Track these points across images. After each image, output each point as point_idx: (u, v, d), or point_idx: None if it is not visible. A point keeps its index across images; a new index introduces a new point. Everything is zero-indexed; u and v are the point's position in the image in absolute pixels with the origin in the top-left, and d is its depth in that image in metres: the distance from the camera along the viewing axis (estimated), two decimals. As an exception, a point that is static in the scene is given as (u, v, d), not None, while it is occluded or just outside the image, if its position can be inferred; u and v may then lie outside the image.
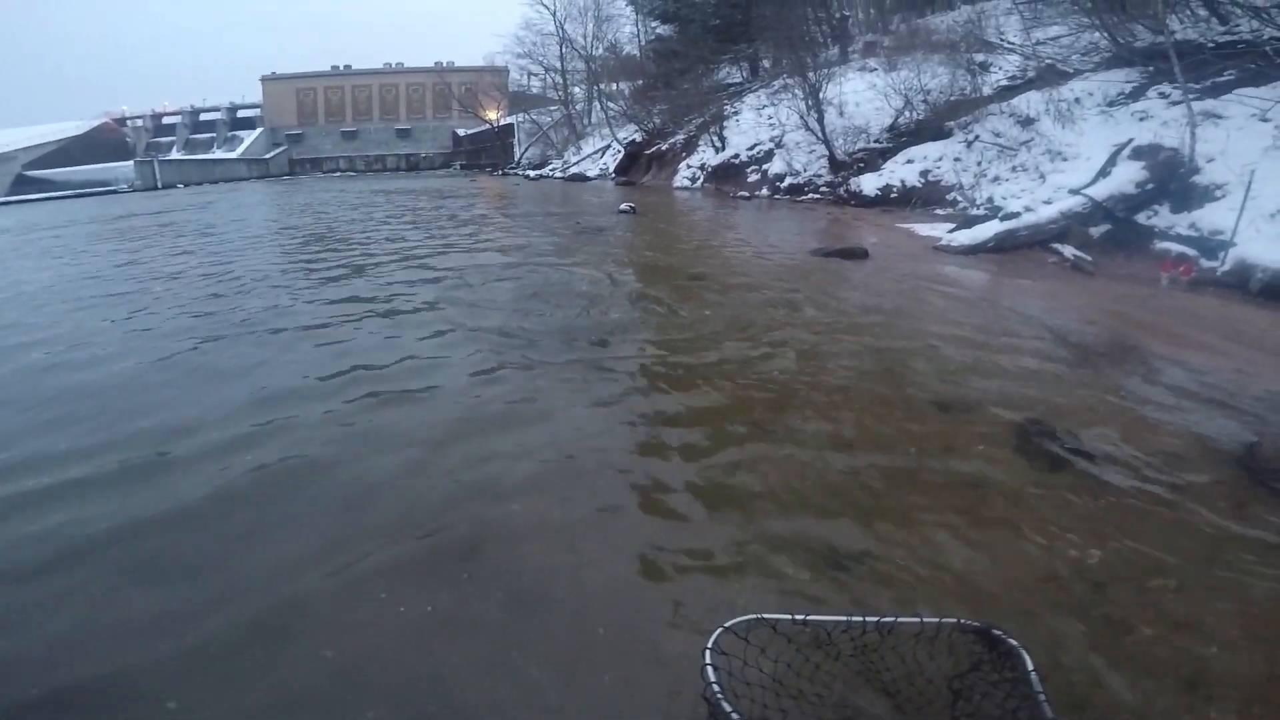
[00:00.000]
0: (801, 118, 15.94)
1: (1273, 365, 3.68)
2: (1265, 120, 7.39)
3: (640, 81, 26.04)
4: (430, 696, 1.63)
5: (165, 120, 48.17)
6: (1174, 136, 8.26)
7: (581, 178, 27.00)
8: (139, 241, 12.57)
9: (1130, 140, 8.76)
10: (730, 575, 2.06)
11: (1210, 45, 9.15)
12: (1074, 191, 8.74)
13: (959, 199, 11.80)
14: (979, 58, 14.34)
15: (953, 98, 13.97)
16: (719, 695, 1.44)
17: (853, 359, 4.02)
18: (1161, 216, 7.81)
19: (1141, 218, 7.99)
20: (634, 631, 1.87)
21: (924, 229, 10.32)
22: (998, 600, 1.92)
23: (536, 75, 36.52)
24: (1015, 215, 8.94)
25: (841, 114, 15.79)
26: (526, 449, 2.84)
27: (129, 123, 47.28)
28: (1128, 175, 8.35)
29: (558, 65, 33.98)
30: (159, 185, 34.60)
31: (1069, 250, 7.90)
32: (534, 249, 9.46)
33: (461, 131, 42.90)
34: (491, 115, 39.98)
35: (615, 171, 25.55)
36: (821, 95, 15.40)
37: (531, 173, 32.20)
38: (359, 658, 1.72)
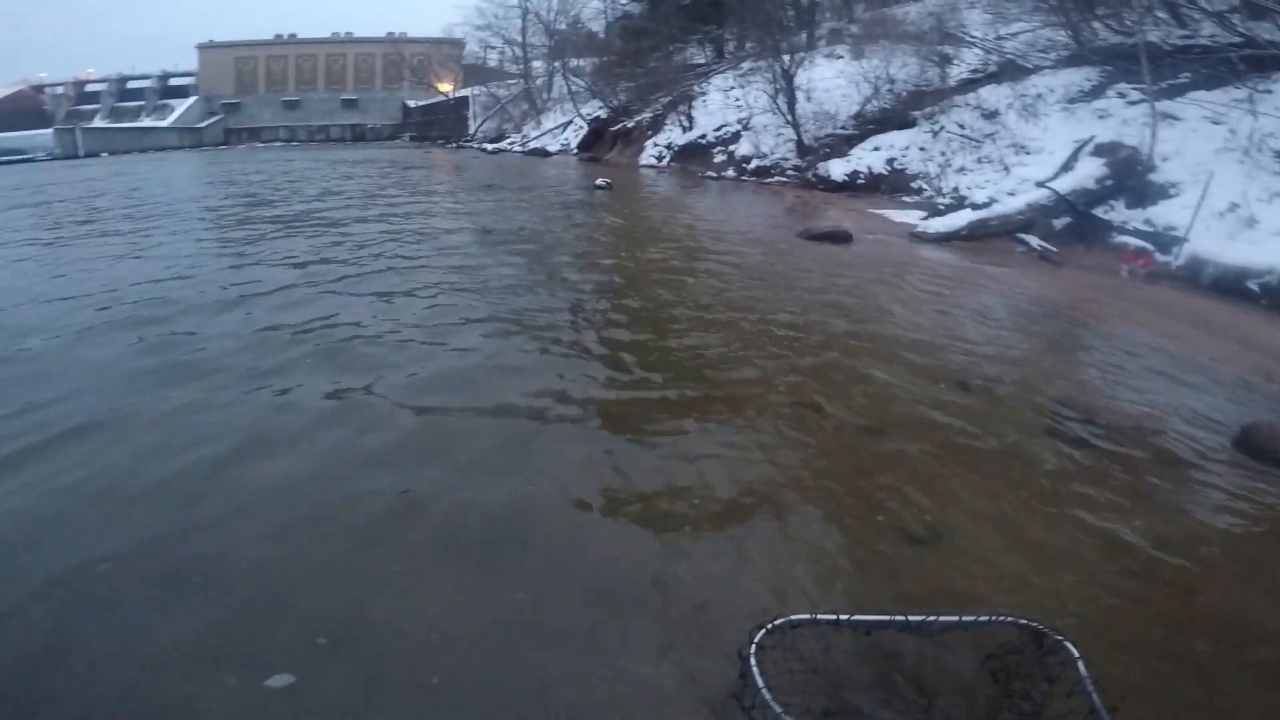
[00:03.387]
0: (772, 99, 16.14)
1: (1240, 353, 4.12)
2: (1217, 123, 7.99)
3: (607, 58, 25.72)
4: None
5: (90, 88, 45.29)
6: (1133, 135, 8.83)
7: (543, 152, 26.61)
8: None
9: (1093, 137, 9.32)
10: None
11: (1168, 48, 9.72)
12: (1039, 184, 9.25)
13: (925, 187, 12.25)
14: (941, 49, 14.78)
15: (918, 88, 14.40)
16: (763, 692, 1.45)
17: (875, 338, 4.27)
18: (1118, 211, 8.39)
19: (1100, 211, 8.55)
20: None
21: (897, 215, 10.72)
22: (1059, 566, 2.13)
23: (495, 48, 35.71)
24: (986, 205, 9.44)
25: (809, 99, 16.03)
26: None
27: (48, 90, 44.14)
28: (1089, 171, 8.91)
29: (519, 39, 33.23)
30: (80, 154, 32.54)
31: (1035, 241, 8.40)
32: (527, 228, 9.28)
33: (412, 103, 41.49)
34: (445, 87, 38.80)
35: (578, 147, 25.29)
36: (794, 79, 15.60)
37: (489, 146, 31.46)
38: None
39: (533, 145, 28.36)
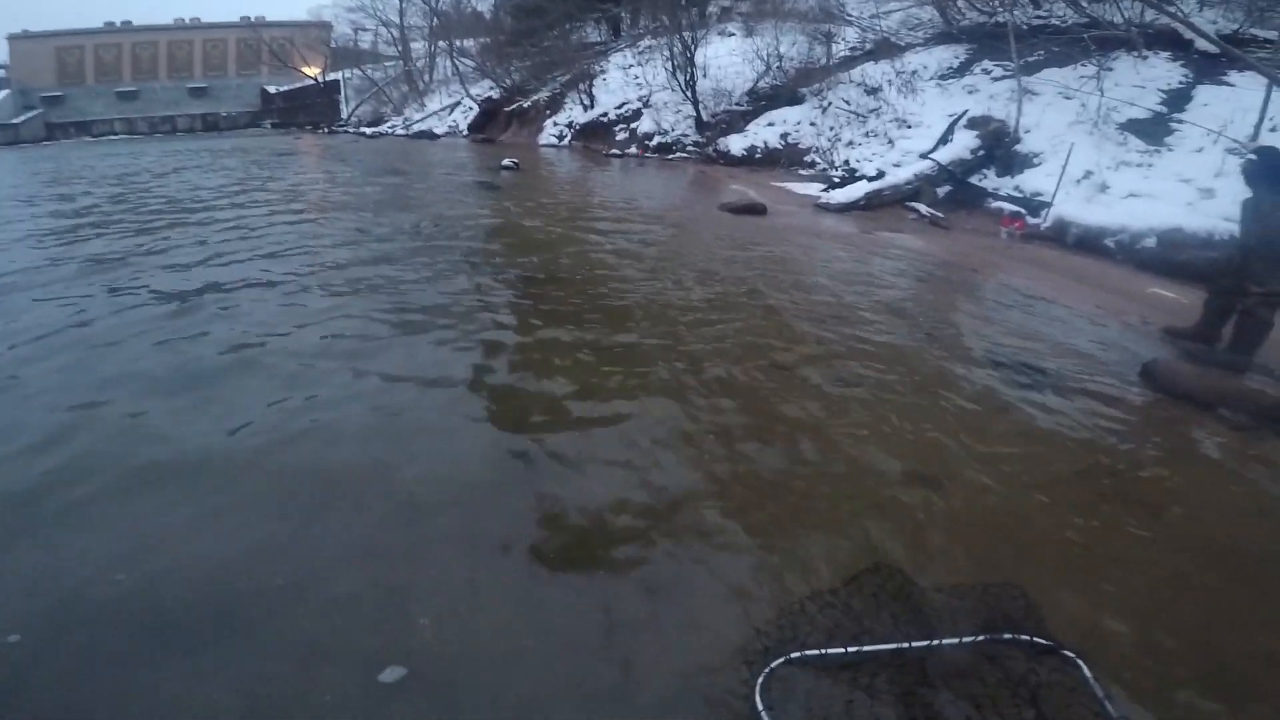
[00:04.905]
0: (671, 75, 16.48)
1: (1116, 300, 4.96)
2: (1069, 98, 9.20)
3: (498, 37, 24.99)
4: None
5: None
6: (999, 109, 9.97)
7: (429, 135, 25.55)
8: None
9: (965, 111, 10.41)
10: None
11: (1024, 28, 10.94)
12: (922, 155, 10.24)
13: (818, 161, 13.09)
14: (824, 28, 15.69)
15: (806, 65, 15.24)
16: None
17: (810, 294, 4.76)
18: (990, 179, 9.48)
19: (975, 179, 9.62)
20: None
21: (798, 188, 11.45)
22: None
23: (368, 30, 33.66)
24: (879, 177, 10.31)
25: (705, 76, 16.50)
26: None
27: None
28: (964, 142, 9.97)
29: (396, 20, 31.50)
30: None
31: (924, 208, 9.34)
32: (432, 209, 8.93)
33: (273, 88, 38.27)
34: (311, 71, 36.16)
35: (469, 129, 24.55)
36: (694, 56, 15.98)
37: (367, 130, 29.73)
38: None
39: (418, 128, 27.14)
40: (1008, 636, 1.72)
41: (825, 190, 10.59)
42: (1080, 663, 1.65)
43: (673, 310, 4.37)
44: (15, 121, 36.84)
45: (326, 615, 1.84)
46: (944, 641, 1.70)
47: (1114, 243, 6.60)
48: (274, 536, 2.13)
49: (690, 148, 16.17)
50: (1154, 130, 8.10)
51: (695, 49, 16.17)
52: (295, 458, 2.57)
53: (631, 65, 19.72)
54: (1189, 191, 6.66)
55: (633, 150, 17.18)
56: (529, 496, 2.36)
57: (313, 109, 35.99)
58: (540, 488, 2.41)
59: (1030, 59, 10.39)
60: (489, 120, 23.73)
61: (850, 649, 1.70)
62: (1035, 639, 1.72)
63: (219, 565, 2.02)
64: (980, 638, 1.72)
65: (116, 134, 38.19)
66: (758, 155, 14.38)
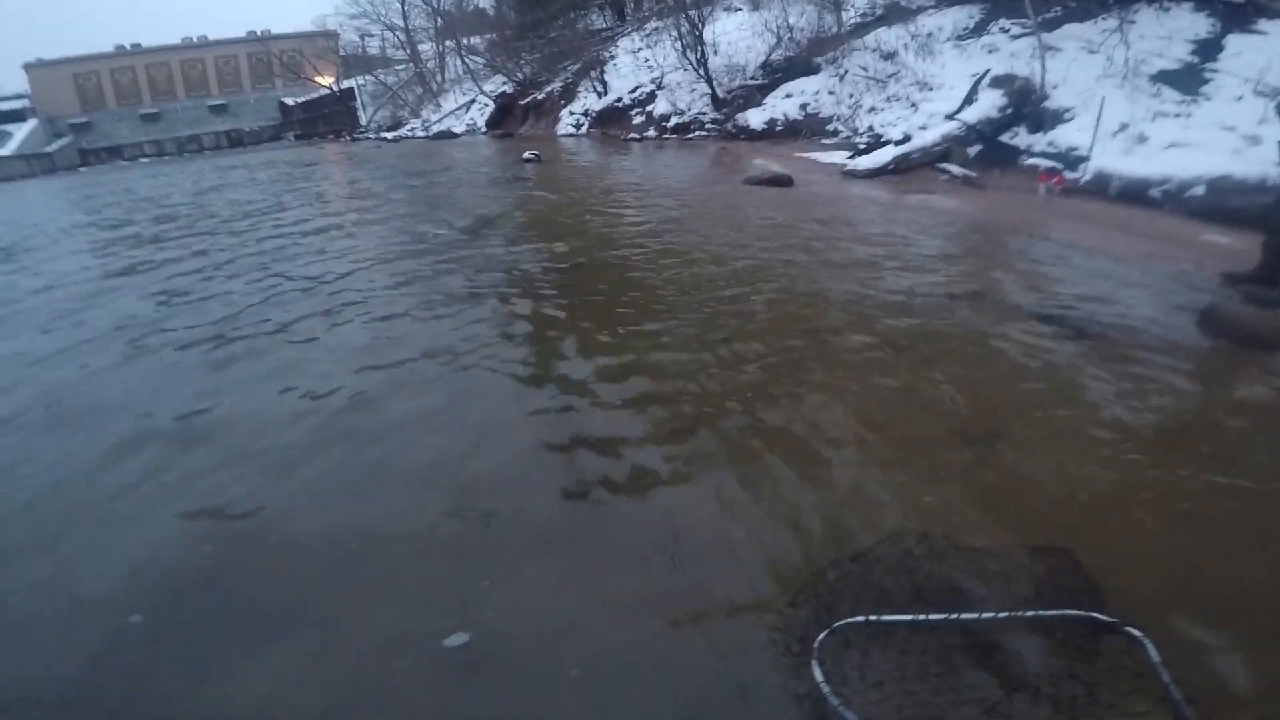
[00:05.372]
0: (681, 55, 16.41)
1: (1166, 249, 4.92)
2: (1093, 53, 8.98)
3: (505, 32, 25.07)
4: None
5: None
6: (1022, 66, 9.76)
7: (449, 134, 25.81)
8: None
9: (988, 70, 10.21)
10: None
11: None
12: (949, 117, 10.10)
13: (840, 129, 12.98)
14: (832, -6, 15.43)
15: (818, 35, 15.05)
16: (828, 695, 1.49)
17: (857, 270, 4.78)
18: (1021, 137, 9.31)
19: (1006, 138, 9.49)
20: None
21: (823, 157, 11.40)
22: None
23: (374, 36, 33.98)
24: (905, 140, 10.20)
25: (716, 53, 16.39)
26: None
27: None
28: (991, 101, 9.80)
29: (401, 22, 31.75)
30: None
31: (956, 169, 9.24)
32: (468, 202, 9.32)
33: (290, 100, 38.84)
34: (325, 81, 36.62)
35: (487, 125, 24.75)
36: (704, 34, 15.89)
37: (388, 135, 30.16)
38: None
39: (437, 129, 27.41)
40: (1070, 613, 1.67)
41: (851, 157, 10.52)
42: (1147, 643, 1.58)
43: (714, 284, 4.51)
44: (49, 150, 37.91)
45: (397, 586, 1.99)
46: (1001, 614, 1.67)
47: (1160, 193, 6.49)
48: (346, 514, 2.33)
49: (709, 126, 16.13)
50: (1188, 80, 7.90)
51: (703, 26, 16.04)
52: (359, 440, 2.78)
53: (640, 49, 19.65)
54: (1234, 139, 6.50)
55: (651, 133, 17.19)
56: (574, 475, 2.48)
57: (331, 118, 36.46)
58: (585, 466, 2.54)
59: (1047, 16, 10.15)
60: (506, 115, 23.88)
61: (906, 617, 1.69)
62: (1097, 616, 1.66)
63: (300, 538, 2.22)
64: (1040, 613, 1.67)
65: (147, 156, 39.14)
66: (778, 128, 14.31)
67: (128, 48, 40.67)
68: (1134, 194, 6.81)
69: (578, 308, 4.25)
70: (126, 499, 2.49)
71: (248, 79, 40.78)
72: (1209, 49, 8.27)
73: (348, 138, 32.86)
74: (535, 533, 2.18)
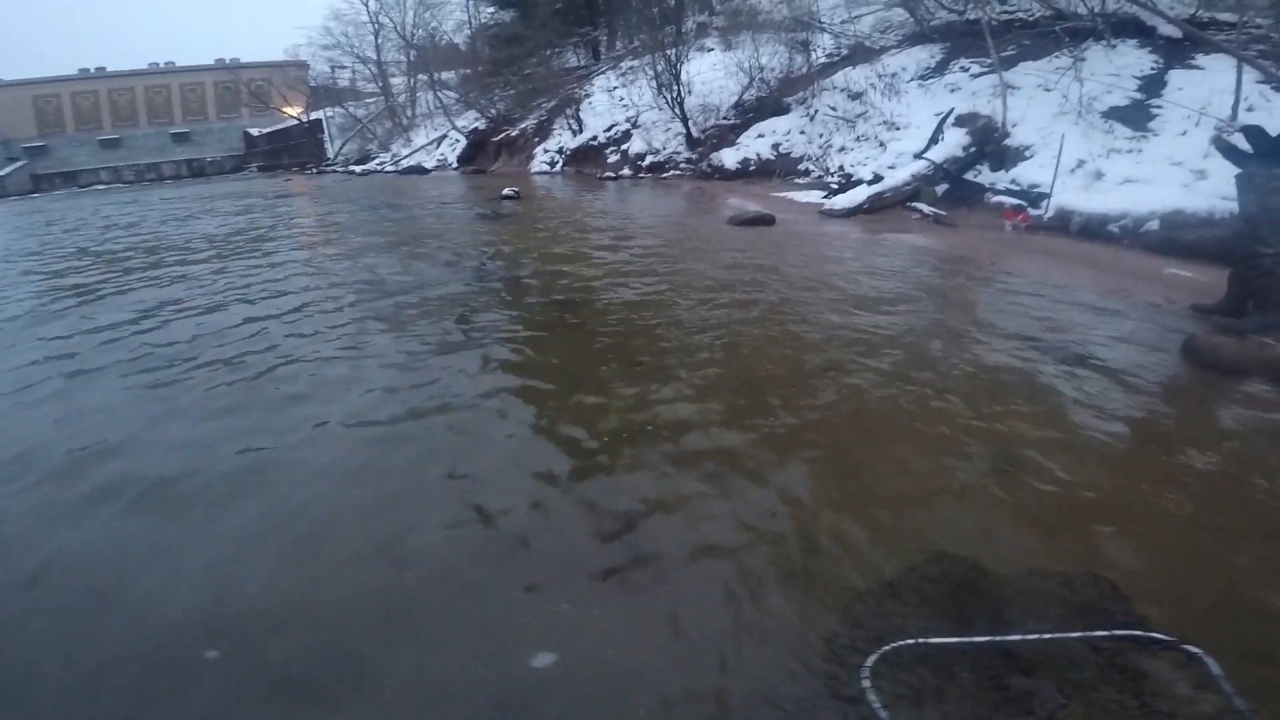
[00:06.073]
0: (660, 94, 16.86)
1: (1135, 283, 5.24)
2: (1049, 90, 9.59)
3: (479, 68, 25.44)
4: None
5: None
6: (984, 105, 10.34)
7: (420, 170, 25.89)
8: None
9: (952, 109, 10.79)
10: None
11: (994, 23, 11.38)
12: (917, 156, 10.59)
13: (811, 168, 13.44)
14: (800, 36, 16.14)
15: (788, 75, 15.65)
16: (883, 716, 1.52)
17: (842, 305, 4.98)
18: (984, 175, 9.82)
19: (970, 176, 9.99)
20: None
21: (799, 196, 11.77)
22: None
23: (345, 68, 34.18)
24: (878, 180, 10.64)
25: (690, 92, 16.92)
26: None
27: None
28: (956, 140, 10.32)
29: (374, 55, 32.04)
30: None
31: (926, 208, 9.66)
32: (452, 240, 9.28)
33: (255, 131, 38.58)
34: (293, 111, 36.52)
35: (459, 161, 24.90)
36: (681, 74, 16.36)
37: (357, 168, 30.08)
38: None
39: (406, 163, 27.47)
40: (1128, 634, 1.70)
41: (827, 196, 10.91)
42: (1207, 659, 1.61)
43: (711, 323, 4.61)
44: (0, 174, 36.80)
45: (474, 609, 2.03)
46: (1054, 635, 1.70)
47: (1118, 228, 6.91)
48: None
49: (683, 165, 16.53)
50: (1136, 116, 8.47)
51: (680, 66, 16.54)
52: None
53: (616, 87, 20.14)
54: (1182, 174, 6.99)
55: (626, 172, 17.51)
56: (605, 509, 2.52)
57: (297, 149, 36.29)
58: (611, 500, 2.57)
59: (1004, 54, 10.79)
60: (478, 151, 24.08)
61: (957, 639, 1.71)
62: (1155, 635, 1.70)
63: (376, 565, 2.21)
64: (1096, 634, 1.70)
65: (103, 183, 38.29)
66: (751, 167, 14.73)
67: (92, 71, 40.00)
68: (1094, 229, 7.23)
69: (587, 346, 4.31)
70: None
71: (213, 107, 40.40)
72: (1154, 85, 8.90)
73: (314, 170, 32.69)
74: (574, 567, 2.22)
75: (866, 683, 1.61)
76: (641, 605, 2.02)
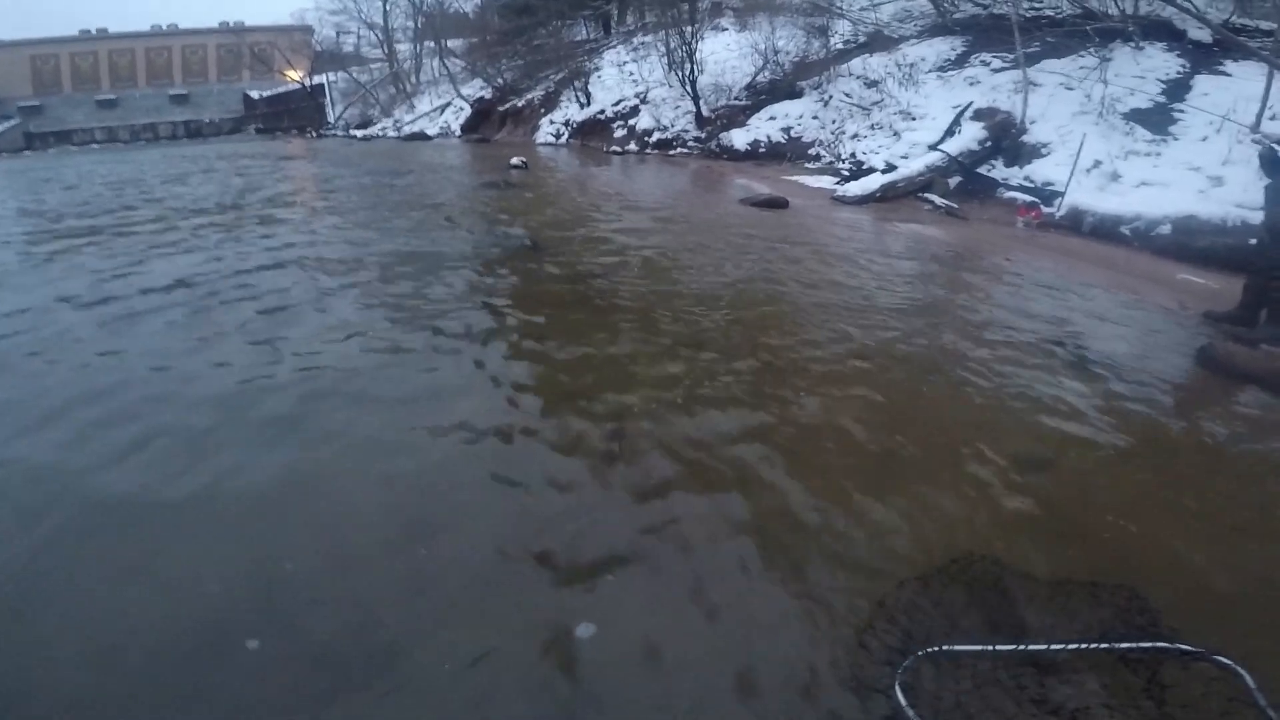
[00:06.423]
0: (671, 70, 16.65)
1: (1149, 287, 5.31)
2: (1071, 89, 9.56)
3: (488, 37, 25.02)
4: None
5: None
6: (1003, 100, 10.32)
7: (422, 136, 25.56)
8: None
9: (970, 103, 10.76)
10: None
11: (1020, 20, 11.29)
12: (932, 147, 10.57)
13: (822, 154, 13.37)
14: (818, 21, 15.95)
15: (803, 59, 15.49)
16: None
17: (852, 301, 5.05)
18: (998, 170, 9.84)
19: (984, 170, 9.99)
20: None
21: (811, 181, 11.70)
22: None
23: (351, 33, 33.57)
24: (892, 169, 10.63)
25: (703, 71, 16.73)
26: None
27: None
28: (972, 134, 10.31)
29: (380, 21, 31.45)
30: None
31: (939, 199, 9.67)
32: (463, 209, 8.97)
33: (255, 94, 37.89)
34: (295, 75, 35.91)
35: (462, 129, 24.62)
36: (695, 52, 16.15)
37: (358, 133, 29.73)
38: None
39: (409, 130, 27.14)
40: (1160, 645, 1.71)
41: (839, 183, 10.89)
42: (1241, 670, 1.61)
43: (738, 306, 4.60)
44: (-6, 132, 36.19)
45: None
46: (1081, 645, 1.71)
47: (1130, 230, 6.96)
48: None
49: (691, 143, 16.39)
50: (1158, 120, 8.47)
51: (696, 44, 16.32)
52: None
53: (626, 62, 19.90)
54: (1199, 179, 7.03)
55: (632, 147, 17.37)
56: (644, 502, 2.50)
57: (298, 113, 35.72)
58: (649, 493, 2.56)
59: (1028, 50, 10.71)
60: (483, 120, 23.81)
61: (985, 647, 1.72)
62: (1184, 647, 1.70)
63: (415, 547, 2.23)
64: (1128, 645, 1.70)
65: (98, 142, 37.69)
66: (761, 150, 14.63)
67: (93, 32, 39.17)
68: (1106, 230, 7.28)
69: (619, 326, 4.28)
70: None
71: (214, 70, 39.62)
72: (1179, 89, 8.89)
73: (314, 134, 32.24)
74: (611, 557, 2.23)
75: (898, 690, 1.62)
76: (671, 585, 2.06)
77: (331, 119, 33.93)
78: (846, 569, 2.12)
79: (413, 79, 31.40)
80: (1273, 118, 7.31)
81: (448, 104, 26.99)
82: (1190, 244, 6.35)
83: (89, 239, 6.96)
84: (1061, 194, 8.24)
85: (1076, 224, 7.73)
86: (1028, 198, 8.61)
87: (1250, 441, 3.01)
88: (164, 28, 39.49)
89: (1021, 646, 1.72)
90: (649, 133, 17.34)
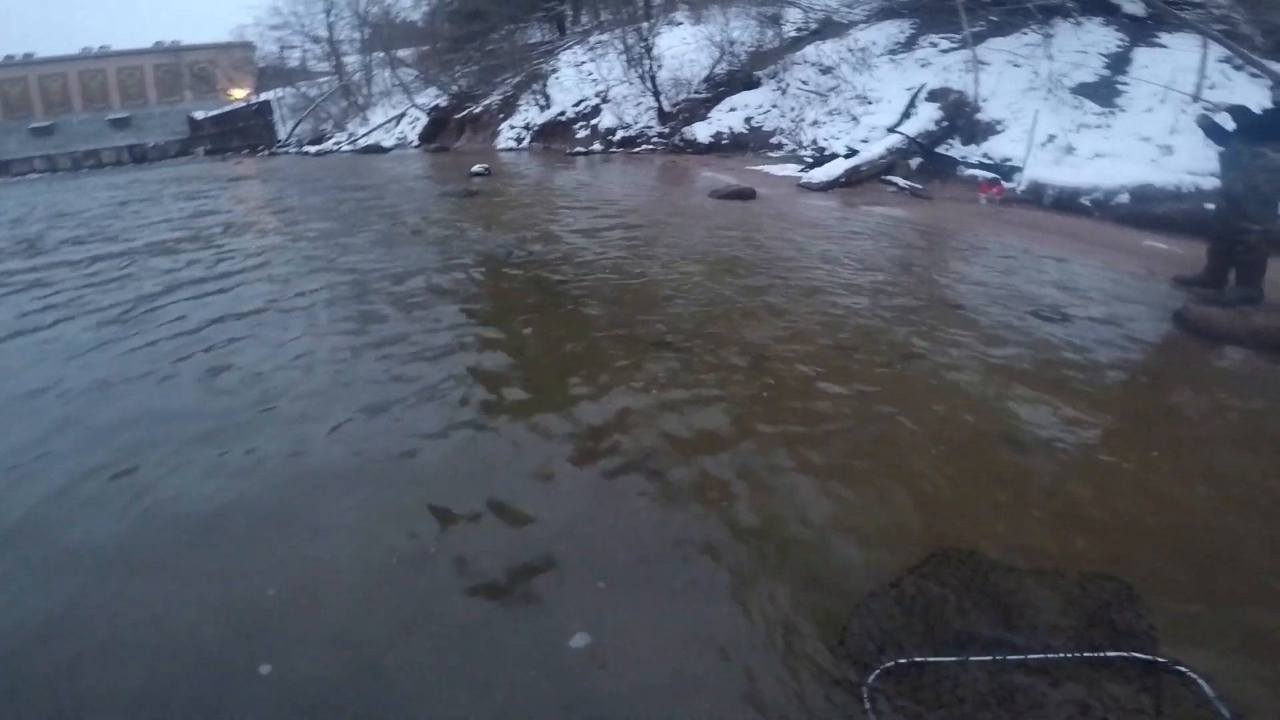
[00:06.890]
0: (630, 68, 16.60)
1: (1117, 255, 5.48)
2: (1018, 66, 9.80)
3: (439, 45, 24.62)
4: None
5: None
6: (955, 80, 10.53)
7: (378, 148, 25.09)
8: None
9: (924, 85, 10.95)
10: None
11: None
12: (890, 130, 10.75)
13: (784, 142, 13.50)
14: (769, 10, 16.05)
15: (757, 48, 15.60)
16: None
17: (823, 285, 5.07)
18: (956, 148, 10.06)
19: (943, 149, 10.20)
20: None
21: (776, 170, 11.80)
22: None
23: (295, 48, 32.79)
24: (853, 154, 10.79)
25: (661, 66, 16.73)
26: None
27: None
28: (928, 115, 10.50)
29: (325, 34, 30.77)
30: None
31: (902, 181, 9.84)
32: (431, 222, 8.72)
33: (200, 114, 36.86)
34: (238, 94, 34.99)
35: (420, 139, 24.26)
36: (653, 48, 16.14)
37: (310, 148, 29.06)
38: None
39: (364, 142, 26.64)
40: (1126, 655, 1.70)
41: (803, 170, 11.00)
42: (1200, 680, 1.62)
43: (715, 300, 4.62)
44: (-80, 168, 34.59)
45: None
46: (1051, 656, 1.71)
47: (1089, 201, 7.18)
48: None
49: (655, 139, 16.38)
50: (1104, 93, 8.75)
51: (654, 40, 16.31)
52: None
53: (584, 61, 19.79)
54: (1150, 149, 7.28)
55: (596, 147, 17.27)
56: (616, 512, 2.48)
57: (246, 132, 34.83)
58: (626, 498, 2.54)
59: (974, 29, 10.95)
60: (440, 128, 23.48)
61: (956, 658, 1.71)
62: (1140, 656, 1.70)
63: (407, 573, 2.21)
64: (1094, 654, 1.71)
65: (38, 171, 36.32)
66: (724, 141, 14.69)
67: (18, 58, 37.63)
68: (1066, 202, 7.49)
69: (594, 331, 4.28)
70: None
71: (154, 91, 38.41)
72: (1120, 62, 9.19)
73: (265, 151, 31.49)
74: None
75: (866, 702, 1.62)
76: (654, 601, 2.04)
77: (283, 136, 33.11)
78: (825, 574, 2.07)
79: (364, 91, 30.81)
80: (1211, 86, 7.59)
81: (403, 114, 26.56)
82: (1149, 211, 6.58)
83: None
84: (1020, 169, 8.45)
85: (1038, 198, 7.94)
86: (988, 174, 8.81)
87: (1230, 406, 3.09)
88: (95, 50, 38.15)
89: (988, 658, 1.72)
90: (612, 131, 17.27)
